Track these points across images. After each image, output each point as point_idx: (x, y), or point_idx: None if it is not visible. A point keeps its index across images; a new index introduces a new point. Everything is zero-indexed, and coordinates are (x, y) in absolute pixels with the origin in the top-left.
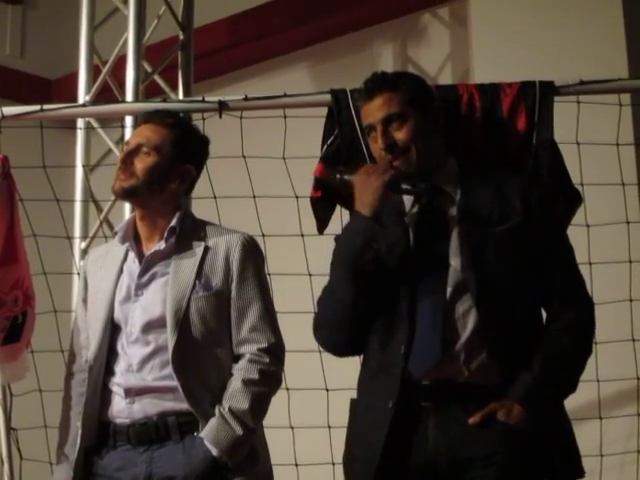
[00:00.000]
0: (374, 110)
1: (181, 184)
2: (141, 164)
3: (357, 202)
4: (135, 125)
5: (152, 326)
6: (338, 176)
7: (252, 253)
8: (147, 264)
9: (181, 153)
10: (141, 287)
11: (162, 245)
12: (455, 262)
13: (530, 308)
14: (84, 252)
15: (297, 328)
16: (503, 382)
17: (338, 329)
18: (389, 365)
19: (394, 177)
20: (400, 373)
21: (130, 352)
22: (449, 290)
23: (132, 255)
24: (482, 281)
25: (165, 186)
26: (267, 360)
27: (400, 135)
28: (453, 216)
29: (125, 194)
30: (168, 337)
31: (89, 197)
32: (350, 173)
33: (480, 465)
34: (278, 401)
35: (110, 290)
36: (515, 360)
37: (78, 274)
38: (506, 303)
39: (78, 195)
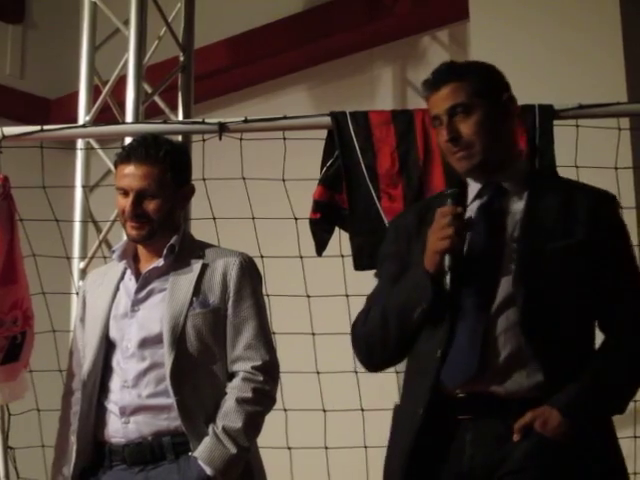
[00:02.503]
0: (439, 101)
1: (185, 204)
2: (151, 207)
3: (427, 250)
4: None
5: (148, 342)
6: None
7: (249, 272)
8: (144, 280)
9: (179, 179)
10: (137, 303)
11: (160, 262)
12: (507, 273)
13: (581, 328)
14: (83, 272)
15: (295, 349)
16: (545, 398)
17: (381, 356)
18: (424, 369)
19: (447, 250)
20: (433, 379)
21: (125, 367)
22: (496, 302)
23: (129, 273)
24: (531, 297)
25: (174, 216)
26: (261, 378)
27: (465, 128)
28: (515, 220)
29: (145, 239)
30: (165, 353)
31: (88, 217)
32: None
33: (512, 478)
34: (276, 422)
35: (106, 307)
36: (559, 380)
37: (77, 294)
38: (554, 322)
39: (77, 215)
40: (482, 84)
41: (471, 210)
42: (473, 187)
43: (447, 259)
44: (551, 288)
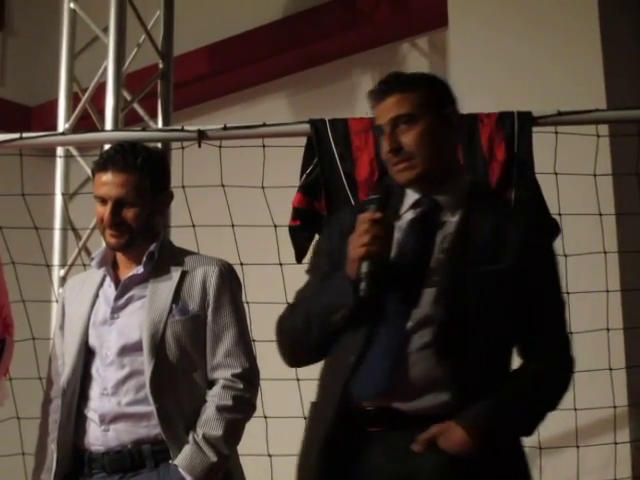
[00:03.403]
0: (383, 111)
1: (164, 211)
2: (130, 215)
3: (348, 257)
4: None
5: (128, 349)
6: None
7: (229, 279)
8: (124, 288)
9: (157, 186)
10: (117, 310)
11: (140, 269)
12: (429, 291)
13: (497, 354)
14: (63, 280)
15: (275, 356)
16: (451, 416)
17: (303, 353)
18: (336, 373)
19: (364, 257)
20: (342, 386)
21: (105, 375)
22: (414, 319)
23: (108, 280)
24: (448, 319)
25: (153, 223)
26: (241, 386)
27: (407, 139)
28: (444, 238)
29: (124, 247)
30: (145, 361)
31: (68, 225)
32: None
33: None
34: (256, 429)
35: (85, 315)
36: (467, 402)
37: (57, 302)
38: (469, 346)
39: (57, 223)
40: (426, 96)
41: (404, 220)
42: (410, 197)
43: (364, 266)
44: (471, 312)
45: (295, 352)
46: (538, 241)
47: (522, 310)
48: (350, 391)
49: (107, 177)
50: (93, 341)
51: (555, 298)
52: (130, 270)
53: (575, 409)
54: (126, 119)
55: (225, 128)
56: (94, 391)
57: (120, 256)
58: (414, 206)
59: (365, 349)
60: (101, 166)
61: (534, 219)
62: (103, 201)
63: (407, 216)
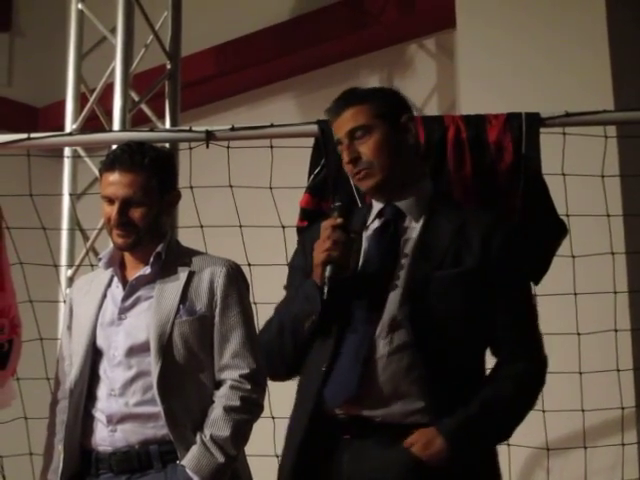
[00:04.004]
0: (341, 124)
1: (171, 211)
2: (137, 215)
3: (313, 262)
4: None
5: (135, 350)
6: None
7: (236, 280)
8: (131, 288)
9: (164, 186)
10: (124, 311)
11: (147, 270)
12: (394, 296)
13: (471, 355)
14: (70, 280)
15: None
16: (425, 423)
17: (280, 365)
18: (310, 381)
19: (326, 261)
20: (315, 394)
21: (112, 376)
22: (380, 324)
23: (116, 280)
24: (416, 321)
25: (160, 222)
26: (248, 387)
27: (364, 149)
28: (408, 244)
29: (131, 247)
30: (152, 362)
31: (75, 225)
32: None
33: None
34: (263, 429)
35: (93, 315)
36: (444, 406)
37: (64, 302)
38: (442, 347)
39: (65, 223)
40: (381, 107)
41: (370, 229)
42: (376, 207)
43: (327, 270)
44: (437, 314)
45: (274, 365)
46: (498, 239)
47: (490, 310)
48: (323, 398)
49: (114, 177)
50: (101, 342)
51: (522, 296)
52: (137, 270)
53: (583, 410)
54: (134, 120)
55: (233, 129)
56: (101, 392)
57: (127, 256)
58: (378, 215)
59: (335, 356)
60: (108, 166)
61: (495, 219)
62: (110, 201)
63: (373, 225)
